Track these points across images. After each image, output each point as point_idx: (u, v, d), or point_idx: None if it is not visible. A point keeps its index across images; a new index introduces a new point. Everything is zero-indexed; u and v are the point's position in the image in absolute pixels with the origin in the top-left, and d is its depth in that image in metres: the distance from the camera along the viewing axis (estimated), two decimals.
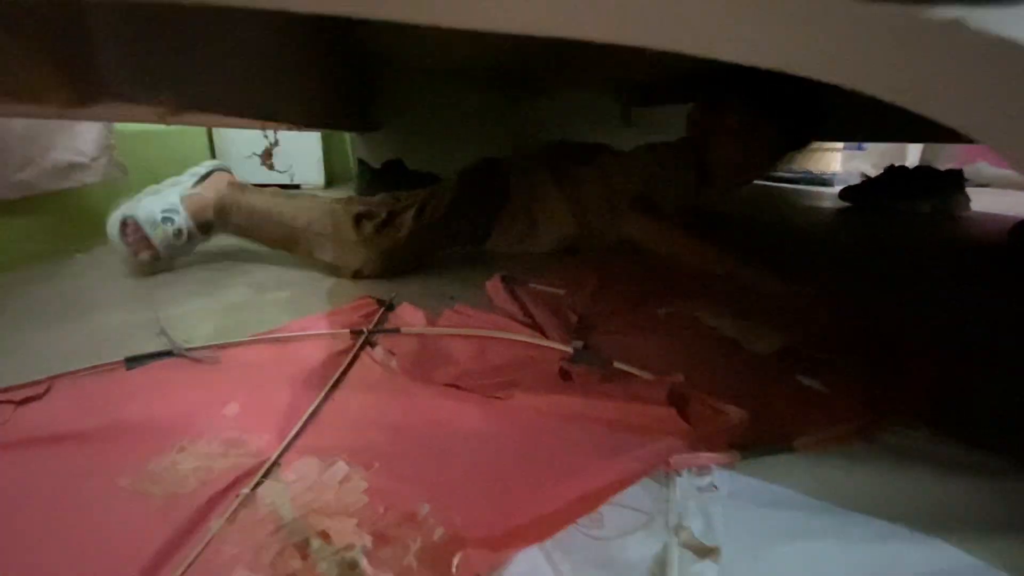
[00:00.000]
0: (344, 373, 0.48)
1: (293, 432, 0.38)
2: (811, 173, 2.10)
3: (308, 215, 0.79)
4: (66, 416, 0.40)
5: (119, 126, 0.99)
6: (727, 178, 0.93)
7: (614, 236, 0.90)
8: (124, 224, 0.76)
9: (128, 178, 0.99)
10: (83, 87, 0.36)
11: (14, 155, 0.78)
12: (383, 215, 0.78)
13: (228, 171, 0.89)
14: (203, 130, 1.43)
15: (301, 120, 0.89)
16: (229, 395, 0.43)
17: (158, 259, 0.78)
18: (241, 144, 1.49)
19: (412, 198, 0.81)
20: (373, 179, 1.29)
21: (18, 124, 0.79)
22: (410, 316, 0.61)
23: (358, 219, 0.77)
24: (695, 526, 0.30)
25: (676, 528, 0.30)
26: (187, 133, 1.34)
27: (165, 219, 0.77)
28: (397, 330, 0.57)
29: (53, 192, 0.86)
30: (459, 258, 0.89)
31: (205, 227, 0.82)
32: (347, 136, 1.56)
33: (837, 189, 1.75)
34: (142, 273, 0.79)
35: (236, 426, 0.39)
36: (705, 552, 0.29)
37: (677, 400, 0.41)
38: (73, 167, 0.88)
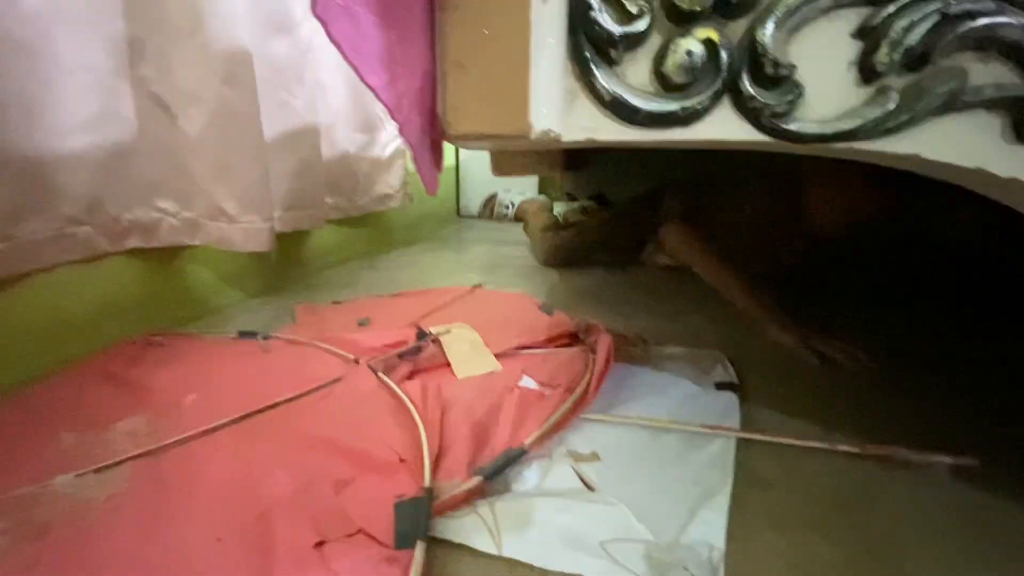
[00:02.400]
0: None
1: None
2: None
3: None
4: None
5: (408, 167, 1.45)
6: None
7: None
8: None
9: (413, 204, 1.44)
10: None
11: (360, 187, 1.26)
12: (553, 225, 1.31)
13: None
14: (453, 172, 1.93)
15: (542, 170, 1.28)
16: None
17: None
18: (474, 179, 1.98)
19: (590, 217, 1.22)
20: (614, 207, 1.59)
21: (364, 166, 1.27)
22: None
23: (545, 227, 1.30)
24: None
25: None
26: (446, 173, 1.83)
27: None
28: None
29: (373, 212, 1.33)
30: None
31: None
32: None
33: None
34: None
35: None
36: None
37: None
38: (387, 196, 1.36)
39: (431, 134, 0.32)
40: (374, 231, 1.40)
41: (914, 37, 0.27)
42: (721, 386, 0.64)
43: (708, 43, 0.27)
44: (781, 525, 0.42)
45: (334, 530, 0.37)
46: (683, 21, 0.27)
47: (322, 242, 1.21)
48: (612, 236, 1.24)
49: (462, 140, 0.30)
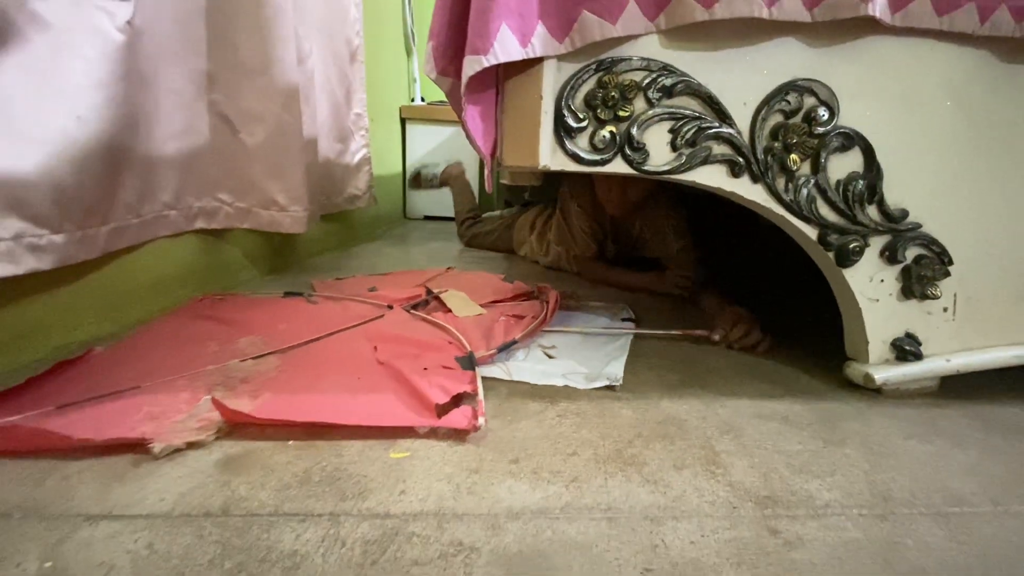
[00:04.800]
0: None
1: None
2: None
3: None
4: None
5: (376, 172, 1.81)
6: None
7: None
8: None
9: (378, 204, 1.80)
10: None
11: (335, 189, 1.60)
12: (469, 220, 1.93)
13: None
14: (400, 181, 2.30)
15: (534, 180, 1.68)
16: None
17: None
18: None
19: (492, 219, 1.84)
20: (517, 212, 2.00)
21: (339, 170, 1.61)
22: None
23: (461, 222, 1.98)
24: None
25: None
26: (394, 181, 2.19)
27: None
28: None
29: (345, 211, 1.68)
30: None
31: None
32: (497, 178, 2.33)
33: None
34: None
35: None
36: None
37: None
38: (356, 197, 1.71)
39: (492, 163, 0.73)
40: (341, 227, 1.74)
41: (689, 133, 0.72)
42: (624, 319, 1.09)
43: (611, 132, 0.71)
44: (650, 368, 0.87)
45: (430, 365, 0.76)
46: (601, 123, 0.71)
47: (304, 235, 1.54)
48: (499, 237, 1.84)
49: (508, 167, 0.72)
